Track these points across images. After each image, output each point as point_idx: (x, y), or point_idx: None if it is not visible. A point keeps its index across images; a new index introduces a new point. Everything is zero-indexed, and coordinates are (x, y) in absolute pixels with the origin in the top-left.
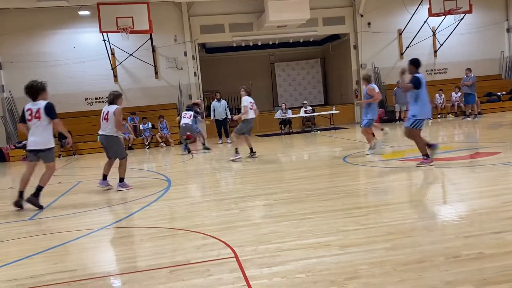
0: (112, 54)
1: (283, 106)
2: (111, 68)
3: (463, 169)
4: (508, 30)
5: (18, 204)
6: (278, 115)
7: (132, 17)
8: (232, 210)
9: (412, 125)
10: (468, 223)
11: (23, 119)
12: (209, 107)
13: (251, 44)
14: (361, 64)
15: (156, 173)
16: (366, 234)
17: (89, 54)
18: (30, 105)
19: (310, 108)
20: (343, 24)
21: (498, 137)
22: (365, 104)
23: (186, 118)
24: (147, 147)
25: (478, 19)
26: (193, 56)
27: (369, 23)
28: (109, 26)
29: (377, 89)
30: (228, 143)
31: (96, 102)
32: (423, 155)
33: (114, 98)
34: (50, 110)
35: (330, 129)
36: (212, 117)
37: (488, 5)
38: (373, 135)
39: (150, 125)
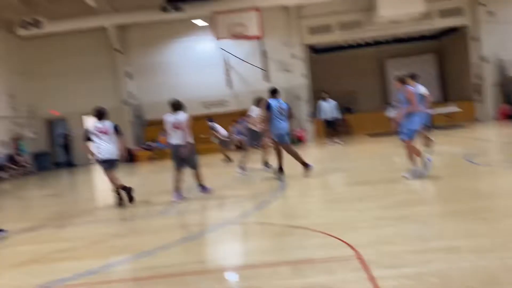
0: (226, 60)
1: (395, 103)
2: (224, 73)
3: None
4: None
5: None
6: (390, 113)
7: (244, 24)
8: (351, 210)
9: None
10: None
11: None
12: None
13: (360, 43)
14: (482, 57)
15: (272, 172)
16: (499, 238)
17: (205, 62)
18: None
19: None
20: (462, 15)
21: None
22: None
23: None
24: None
25: None
26: (301, 58)
27: (490, 12)
28: (224, 34)
29: (423, 90)
30: (338, 143)
31: (212, 106)
32: None
33: (180, 105)
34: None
35: (449, 127)
36: (321, 117)
37: None
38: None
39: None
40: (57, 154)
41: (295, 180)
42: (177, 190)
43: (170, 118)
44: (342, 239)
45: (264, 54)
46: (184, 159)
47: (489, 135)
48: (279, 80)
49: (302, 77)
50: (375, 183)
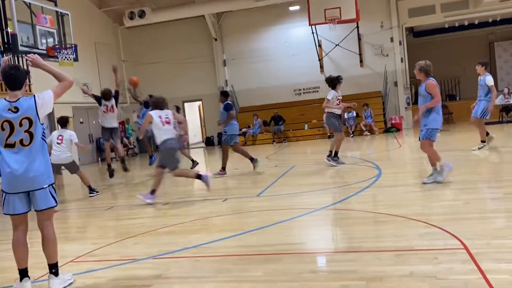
0: (319, 45)
1: (506, 90)
2: (318, 59)
3: None
4: None
5: None
6: (500, 100)
7: (339, 8)
8: (454, 201)
9: None
10: None
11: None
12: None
13: (465, 24)
14: None
15: (365, 161)
16: None
17: (298, 47)
18: None
19: None
20: None
21: None
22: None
23: None
24: (352, 135)
25: None
26: (400, 42)
27: None
28: (317, 19)
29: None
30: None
31: (304, 92)
32: None
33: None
34: None
35: None
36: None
37: None
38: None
39: (354, 114)
40: None
41: (388, 168)
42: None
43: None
44: (446, 229)
45: (359, 38)
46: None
47: None
48: (375, 65)
49: (400, 62)
50: (482, 174)
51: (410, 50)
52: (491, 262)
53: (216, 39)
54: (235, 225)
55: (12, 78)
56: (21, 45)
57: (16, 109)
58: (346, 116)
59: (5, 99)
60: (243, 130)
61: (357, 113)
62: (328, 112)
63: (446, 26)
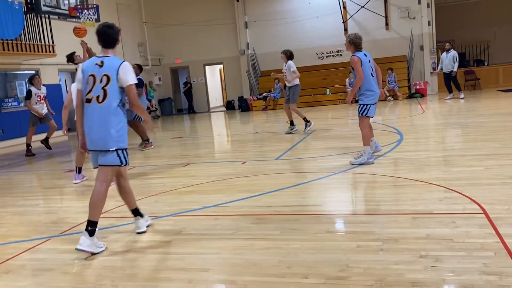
0: (344, 7)
1: None
2: (342, 21)
3: None
4: None
5: None
6: None
7: None
8: (475, 167)
9: None
10: None
11: None
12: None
13: None
14: None
15: (387, 126)
16: None
17: (322, 9)
18: None
19: None
20: None
21: None
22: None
23: None
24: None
25: None
26: (428, 4)
27: None
28: None
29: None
30: (460, 98)
31: (326, 56)
32: None
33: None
34: None
35: None
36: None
37: None
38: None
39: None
40: (179, 100)
41: (409, 134)
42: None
43: None
44: (466, 194)
45: (386, 0)
46: None
47: None
48: (401, 28)
49: (428, 25)
50: (505, 140)
51: (438, 13)
52: (510, 227)
53: (238, 0)
54: (254, 187)
55: (107, 36)
56: (43, 5)
57: (102, 63)
58: None
59: (96, 55)
60: (264, 94)
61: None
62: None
63: None
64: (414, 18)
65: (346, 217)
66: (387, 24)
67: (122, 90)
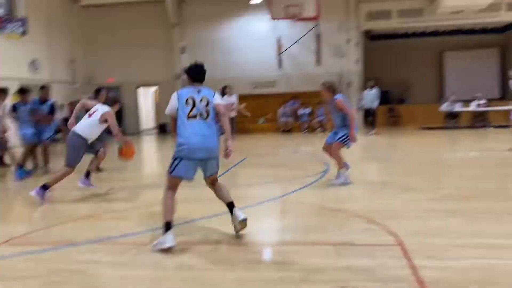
0: (279, 41)
1: (451, 98)
2: (276, 54)
3: None
4: None
5: None
6: (445, 107)
7: (301, 5)
8: (395, 199)
9: None
10: None
11: None
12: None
13: (419, 32)
14: None
15: (315, 156)
16: None
17: (259, 40)
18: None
19: (483, 101)
20: None
21: None
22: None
23: None
24: (305, 131)
25: None
26: (356, 43)
27: None
28: (279, 14)
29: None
30: (372, 134)
31: (260, 86)
32: None
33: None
34: None
35: (505, 126)
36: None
37: None
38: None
39: (308, 111)
40: None
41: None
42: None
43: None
44: (385, 226)
45: (318, 37)
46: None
47: None
48: (331, 65)
49: (356, 64)
50: (422, 176)
51: (366, 52)
52: (423, 258)
53: (175, 25)
54: (179, 213)
55: (198, 72)
56: None
57: (199, 91)
58: (300, 112)
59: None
60: None
61: (311, 110)
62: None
63: (401, 32)
64: (343, 56)
65: (270, 247)
66: (318, 59)
67: None
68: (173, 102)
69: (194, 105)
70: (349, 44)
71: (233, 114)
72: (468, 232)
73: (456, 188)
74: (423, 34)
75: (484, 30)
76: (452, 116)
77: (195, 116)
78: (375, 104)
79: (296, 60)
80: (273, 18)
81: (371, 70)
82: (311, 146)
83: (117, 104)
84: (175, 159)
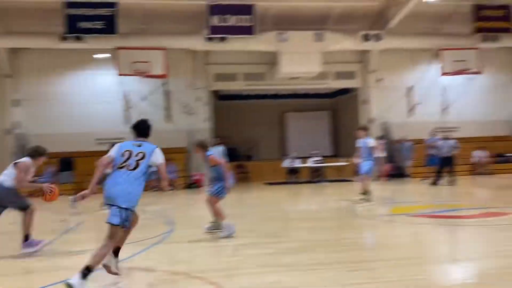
0: (126, 96)
1: (292, 155)
2: (124, 110)
3: (474, 228)
4: None
5: None
6: (286, 163)
7: (149, 62)
8: (236, 256)
9: None
10: (477, 283)
11: None
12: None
13: (263, 94)
14: (370, 119)
15: (160, 216)
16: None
17: (104, 95)
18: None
19: (319, 158)
20: (353, 78)
21: (508, 198)
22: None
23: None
24: (155, 189)
25: (488, 80)
26: (205, 102)
27: (379, 79)
28: (126, 70)
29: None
30: None
31: (106, 142)
32: None
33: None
34: None
35: (338, 180)
36: None
37: (498, 68)
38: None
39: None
40: None
41: (184, 224)
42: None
43: None
44: (223, 285)
45: (167, 94)
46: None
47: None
48: (181, 122)
49: (205, 121)
50: (265, 230)
51: (215, 111)
52: None
53: (7, 76)
54: None
55: (140, 127)
56: None
57: (140, 145)
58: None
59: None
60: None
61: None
62: None
63: (247, 93)
64: (193, 113)
65: None
66: (168, 116)
67: None
68: (113, 151)
69: (128, 158)
70: (198, 102)
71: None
72: (300, 286)
73: (293, 241)
74: (266, 96)
75: (318, 95)
76: (293, 171)
77: (122, 167)
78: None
79: (146, 116)
80: (120, 74)
81: (221, 128)
82: (157, 205)
83: None
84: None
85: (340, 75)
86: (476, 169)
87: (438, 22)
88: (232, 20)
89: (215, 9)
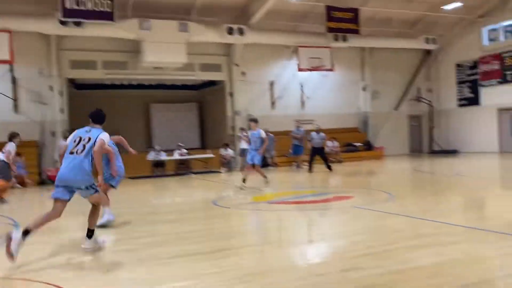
0: None
1: (157, 147)
2: None
3: (324, 211)
4: (363, 89)
5: None
6: (151, 156)
7: None
8: (88, 255)
9: None
10: (319, 263)
11: None
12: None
13: (125, 84)
14: (235, 111)
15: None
16: (223, 277)
17: None
18: None
19: (185, 150)
20: (220, 71)
21: (354, 183)
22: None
23: None
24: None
25: (339, 77)
26: (60, 92)
27: (243, 72)
28: None
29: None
30: None
31: None
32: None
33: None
34: None
35: (204, 172)
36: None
37: (348, 66)
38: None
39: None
40: None
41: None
42: None
43: None
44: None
45: (15, 82)
46: None
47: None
48: (32, 112)
49: (60, 112)
50: (121, 226)
51: (72, 101)
52: None
53: None
54: None
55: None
56: None
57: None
58: None
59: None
60: None
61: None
62: None
63: (107, 83)
64: (46, 103)
65: None
66: (16, 106)
67: None
68: (69, 139)
69: (78, 143)
70: (52, 91)
71: None
72: (150, 281)
73: (153, 235)
74: (130, 86)
75: (185, 86)
76: (159, 164)
77: (72, 152)
78: None
79: None
80: None
81: (78, 119)
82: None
83: None
84: (55, 186)
85: (206, 67)
86: (328, 158)
87: (297, 20)
88: (89, 4)
89: None
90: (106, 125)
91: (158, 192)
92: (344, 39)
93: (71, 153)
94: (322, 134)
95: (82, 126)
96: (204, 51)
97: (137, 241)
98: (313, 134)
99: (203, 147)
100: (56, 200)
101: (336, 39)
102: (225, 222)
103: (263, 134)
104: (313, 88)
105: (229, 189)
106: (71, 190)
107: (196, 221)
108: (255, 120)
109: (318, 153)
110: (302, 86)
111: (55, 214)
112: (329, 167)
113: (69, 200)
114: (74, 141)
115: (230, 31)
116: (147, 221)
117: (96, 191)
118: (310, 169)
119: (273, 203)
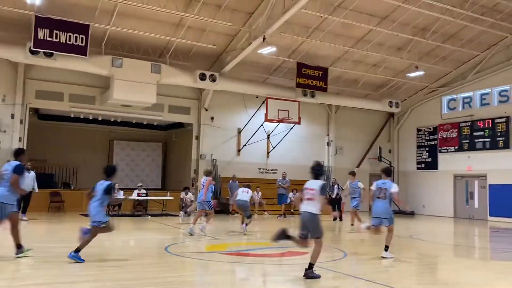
0: None
1: (116, 186)
2: None
3: (269, 267)
4: (327, 144)
5: None
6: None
7: None
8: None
9: None
10: None
11: None
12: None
13: (90, 118)
14: (201, 155)
15: None
16: None
17: None
18: None
19: (144, 191)
20: (188, 114)
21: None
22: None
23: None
24: None
25: (305, 130)
26: (21, 120)
27: (212, 118)
28: None
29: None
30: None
31: None
32: None
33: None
34: None
35: (161, 215)
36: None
37: (314, 120)
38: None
39: None
40: None
41: None
42: None
43: None
44: None
45: None
46: None
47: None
48: None
49: (18, 141)
50: (63, 269)
51: (33, 130)
52: None
53: None
54: None
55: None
56: None
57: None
58: None
59: None
60: None
61: None
62: None
63: (72, 115)
64: (5, 131)
65: None
66: None
67: None
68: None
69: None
70: (13, 119)
71: None
72: None
73: (96, 280)
74: (95, 120)
75: (151, 126)
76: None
77: None
78: (35, 187)
79: None
80: None
81: (37, 150)
82: None
83: None
84: None
85: (175, 109)
86: (289, 209)
87: (268, 73)
88: (63, 37)
89: (44, 22)
90: (67, 158)
91: (111, 232)
92: (312, 95)
93: None
94: (338, 186)
95: (41, 156)
96: (175, 93)
97: (75, 285)
98: (330, 186)
99: (164, 188)
100: None
101: (304, 94)
102: (173, 271)
103: (361, 185)
104: (279, 139)
105: (185, 235)
106: None
107: (144, 268)
108: (353, 173)
109: (336, 203)
110: (268, 136)
111: None
112: (340, 218)
113: None
114: None
115: (203, 77)
116: (92, 264)
117: None
118: (340, 218)
119: (224, 253)
